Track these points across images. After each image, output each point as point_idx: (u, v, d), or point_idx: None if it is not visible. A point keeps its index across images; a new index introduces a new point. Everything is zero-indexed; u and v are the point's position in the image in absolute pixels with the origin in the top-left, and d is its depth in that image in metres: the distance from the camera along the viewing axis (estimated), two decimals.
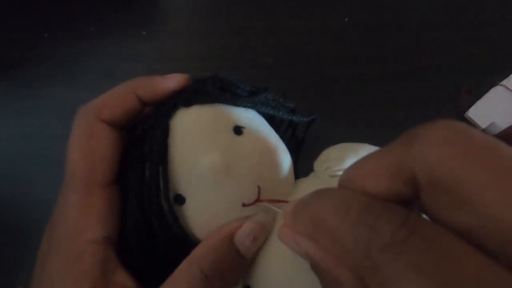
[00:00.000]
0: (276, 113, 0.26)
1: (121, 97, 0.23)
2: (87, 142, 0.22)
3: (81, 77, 0.40)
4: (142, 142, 0.22)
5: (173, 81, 0.23)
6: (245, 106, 0.24)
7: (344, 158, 0.28)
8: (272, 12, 0.44)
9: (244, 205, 0.22)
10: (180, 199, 0.22)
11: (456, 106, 0.38)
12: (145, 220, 0.22)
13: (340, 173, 0.27)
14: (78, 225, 0.20)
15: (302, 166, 0.29)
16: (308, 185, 0.26)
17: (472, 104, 0.36)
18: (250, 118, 0.25)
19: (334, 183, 0.26)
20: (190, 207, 0.22)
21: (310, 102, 0.39)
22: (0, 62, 0.41)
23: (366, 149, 0.28)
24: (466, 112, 0.36)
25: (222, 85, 0.24)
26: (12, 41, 0.42)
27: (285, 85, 0.40)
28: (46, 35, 0.42)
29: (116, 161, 0.22)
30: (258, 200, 0.22)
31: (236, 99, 0.24)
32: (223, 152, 0.22)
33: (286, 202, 0.22)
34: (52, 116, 0.39)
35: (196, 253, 0.21)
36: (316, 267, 0.15)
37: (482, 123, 0.35)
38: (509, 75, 0.37)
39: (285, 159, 0.26)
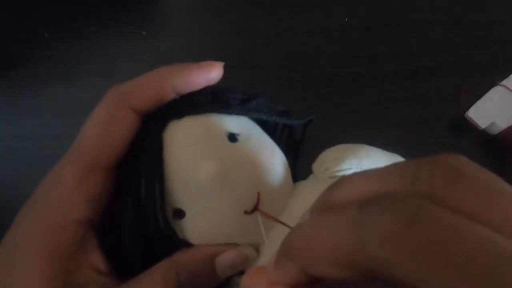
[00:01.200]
0: (269, 118, 0.25)
1: (156, 86, 0.22)
2: (107, 123, 0.21)
3: (81, 77, 0.40)
4: (136, 158, 0.21)
5: (210, 71, 0.23)
6: (237, 114, 0.24)
7: (343, 159, 0.28)
8: (272, 12, 0.44)
9: (246, 212, 0.22)
10: (180, 213, 0.22)
11: (456, 106, 0.38)
12: (143, 236, 0.21)
13: (339, 174, 0.27)
14: (68, 200, 0.20)
15: (302, 168, 0.29)
16: (307, 188, 0.26)
17: (472, 104, 0.36)
18: (244, 124, 0.25)
19: None
20: (190, 221, 0.22)
21: (310, 102, 0.39)
22: (0, 62, 0.41)
23: (364, 150, 0.29)
24: (466, 112, 0.36)
25: (213, 95, 0.24)
26: (12, 41, 0.42)
27: (285, 85, 0.40)
28: (46, 35, 0.42)
29: (126, 149, 0.22)
30: (256, 207, 0.22)
31: (227, 108, 0.24)
32: (219, 160, 0.21)
33: (280, 222, 0.23)
34: (52, 116, 0.39)
35: (177, 258, 0.21)
36: None
37: (482, 123, 0.35)
38: (509, 75, 0.36)
39: (282, 163, 0.25)
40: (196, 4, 0.45)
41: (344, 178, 0.15)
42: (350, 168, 0.27)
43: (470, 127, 0.36)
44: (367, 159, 0.28)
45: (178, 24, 0.44)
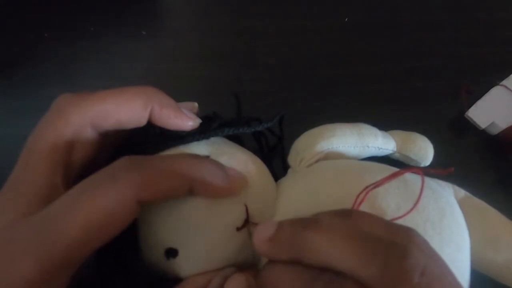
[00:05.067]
0: (236, 131, 0.25)
1: (135, 113, 0.22)
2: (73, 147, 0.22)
3: (81, 77, 0.40)
4: None
5: (186, 123, 0.24)
6: (198, 140, 0.24)
7: (313, 144, 0.28)
8: (272, 12, 0.44)
9: (237, 229, 0.22)
10: (172, 253, 0.22)
11: (456, 106, 0.38)
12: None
13: (314, 159, 0.28)
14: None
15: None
16: (289, 184, 0.27)
17: (472, 104, 0.36)
18: (213, 145, 0.25)
19: (311, 173, 0.27)
20: (185, 258, 0.22)
21: (310, 102, 0.39)
22: (0, 62, 0.41)
23: (330, 130, 0.29)
24: (466, 112, 0.36)
25: (164, 132, 0.24)
26: (12, 41, 0.42)
27: (285, 85, 0.40)
28: (46, 35, 0.42)
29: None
30: (247, 220, 0.23)
31: (186, 138, 0.24)
32: None
33: None
34: None
35: None
36: None
37: (482, 123, 0.35)
38: (509, 75, 0.37)
39: (260, 169, 0.26)
40: (196, 4, 0.45)
41: (323, 230, 0.18)
42: (322, 151, 0.28)
43: (470, 127, 0.36)
44: (334, 138, 0.28)
45: (178, 24, 0.44)
